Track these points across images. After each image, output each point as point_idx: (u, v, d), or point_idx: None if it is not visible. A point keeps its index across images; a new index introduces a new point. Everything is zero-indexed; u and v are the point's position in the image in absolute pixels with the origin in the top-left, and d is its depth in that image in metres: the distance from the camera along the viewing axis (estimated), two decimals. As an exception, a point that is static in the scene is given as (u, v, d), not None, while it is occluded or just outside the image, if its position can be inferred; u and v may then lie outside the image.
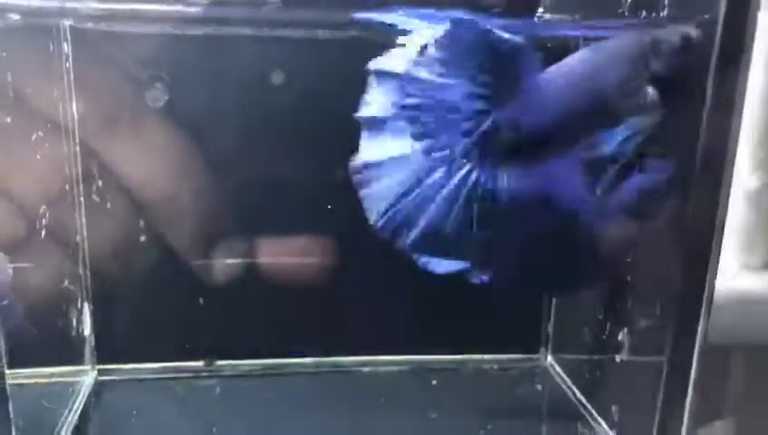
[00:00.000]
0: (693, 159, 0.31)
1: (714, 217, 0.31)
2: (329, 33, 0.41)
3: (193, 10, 0.35)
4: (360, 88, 0.33)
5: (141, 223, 0.45)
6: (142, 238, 0.46)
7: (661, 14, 0.33)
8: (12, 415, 0.31)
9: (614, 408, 0.40)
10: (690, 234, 0.32)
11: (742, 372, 0.70)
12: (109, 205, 0.44)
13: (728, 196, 0.31)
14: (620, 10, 0.37)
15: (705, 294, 0.32)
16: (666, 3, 0.32)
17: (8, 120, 0.35)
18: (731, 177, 0.31)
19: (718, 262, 0.32)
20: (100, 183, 0.44)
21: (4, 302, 0.32)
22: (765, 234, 0.74)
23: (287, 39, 0.43)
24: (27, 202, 0.39)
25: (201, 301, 0.47)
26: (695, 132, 0.31)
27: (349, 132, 0.34)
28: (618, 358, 0.40)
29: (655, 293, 0.35)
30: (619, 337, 0.39)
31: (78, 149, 0.43)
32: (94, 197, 0.44)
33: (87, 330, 0.46)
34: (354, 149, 0.33)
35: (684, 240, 0.32)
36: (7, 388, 0.31)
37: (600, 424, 0.42)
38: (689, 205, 0.31)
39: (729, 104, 0.30)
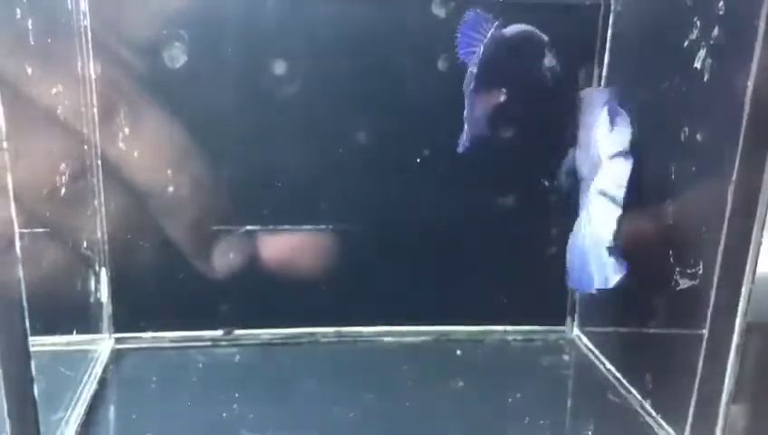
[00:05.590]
0: (737, 132, 0.30)
1: (757, 191, 0.30)
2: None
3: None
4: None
5: (163, 188, 0.44)
6: (162, 204, 0.44)
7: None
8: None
9: (647, 376, 0.39)
10: (735, 207, 0.31)
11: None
12: (127, 169, 0.43)
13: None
14: None
15: (747, 272, 0.31)
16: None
17: (29, 71, 0.33)
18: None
19: (761, 240, 0.31)
20: (120, 144, 0.43)
21: None
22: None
23: None
24: (45, 162, 0.38)
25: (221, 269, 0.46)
26: (740, 107, 0.30)
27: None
28: (652, 329, 0.39)
29: (695, 265, 0.34)
30: (654, 307, 0.38)
31: (96, 110, 0.42)
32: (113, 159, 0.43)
33: (104, 297, 0.45)
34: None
35: (728, 214, 0.31)
36: (29, 347, 0.30)
37: (631, 393, 0.41)
38: (734, 179, 0.31)
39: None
